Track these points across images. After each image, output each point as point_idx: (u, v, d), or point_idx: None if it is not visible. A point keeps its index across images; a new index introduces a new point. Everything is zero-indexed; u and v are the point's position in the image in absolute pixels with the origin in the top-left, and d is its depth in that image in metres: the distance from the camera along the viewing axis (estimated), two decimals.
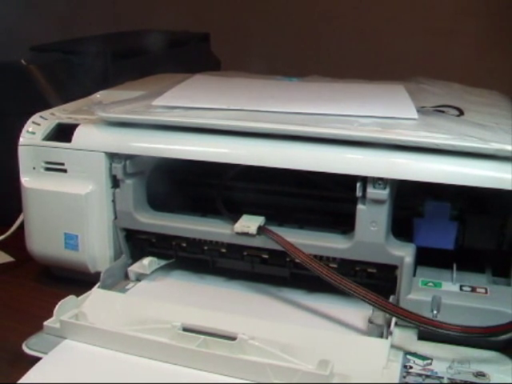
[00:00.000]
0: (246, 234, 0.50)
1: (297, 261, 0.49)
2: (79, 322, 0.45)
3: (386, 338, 0.44)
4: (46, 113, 0.57)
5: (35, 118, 0.56)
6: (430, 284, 0.47)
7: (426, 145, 0.44)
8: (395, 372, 0.41)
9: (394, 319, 0.45)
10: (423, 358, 0.43)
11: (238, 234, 0.50)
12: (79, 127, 0.54)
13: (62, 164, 0.53)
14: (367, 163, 0.45)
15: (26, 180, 0.55)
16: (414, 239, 0.48)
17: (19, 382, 0.40)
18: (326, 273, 0.46)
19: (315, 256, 0.50)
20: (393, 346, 0.43)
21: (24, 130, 0.55)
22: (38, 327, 0.46)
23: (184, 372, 0.41)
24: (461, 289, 0.46)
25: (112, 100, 0.59)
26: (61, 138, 0.54)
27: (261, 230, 0.50)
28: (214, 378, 0.41)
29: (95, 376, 0.41)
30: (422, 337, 0.45)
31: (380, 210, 0.46)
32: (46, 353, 0.43)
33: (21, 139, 0.55)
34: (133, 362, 0.43)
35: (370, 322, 0.46)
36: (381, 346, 0.43)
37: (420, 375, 0.41)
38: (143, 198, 0.55)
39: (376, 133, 0.45)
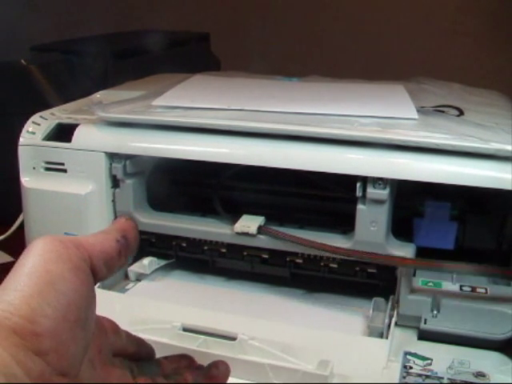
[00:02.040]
0: (246, 234, 0.50)
1: (302, 254, 0.49)
2: None
3: (386, 338, 0.44)
4: (45, 113, 0.57)
5: (35, 118, 0.56)
6: (430, 284, 0.47)
7: (426, 145, 0.44)
8: (395, 372, 0.41)
9: (393, 320, 0.45)
10: (423, 358, 0.43)
11: (237, 233, 0.50)
12: (79, 127, 0.54)
13: (62, 164, 0.53)
14: (367, 163, 0.45)
15: (25, 180, 0.55)
16: (414, 239, 0.48)
17: None
18: (337, 250, 0.47)
19: (315, 256, 0.50)
20: (393, 346, 0.44)
21: (24, 130, 0.55)
22: None
23: None
24: (461, 289, 0.46)
25: (112, 100, 0.59)
26: (61, 138, 0.54)
27: (261, 229, 0.50)
28: None
29: None
30: (422, 337, 0.46)
31: (380, 210, 0.46)
32: None
33: (21, 139, 0.55)
34: None
35: (370, 322, 0.46)
36: (381, 346, 0.43)
37: (420, 375, 0.41)
38: (143, 198, 0.55)
39: (376, 133, 0.45)
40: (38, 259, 0.28)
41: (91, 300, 0.30)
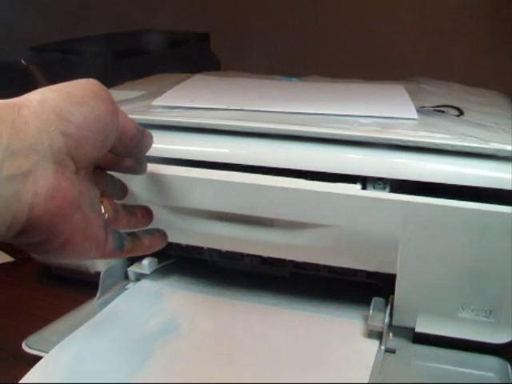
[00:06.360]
0: None
1: None
2: None
3: (386, 337, 0.44)
4: None
5: None
6: None
7: (426, 145, 0.44)
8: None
9: (393, 320, 0.45)
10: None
11: None
12: None
13: None
14: (367, 163, 0.45)
15: None
16: None
17: (21, 381, 0.40)
18: None
19: None
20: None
21: None
22: (38, 327, 0.46)
23: None
24: None
25: None
26: None
27: None
28: None
29: (98, 374, 0.41)
30: (418, 340, 0.46)
31: None
32: (46, 352, 0.43)
33: None
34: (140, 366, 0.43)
35: (370, 321, 0.46)
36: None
37: None
38: None
39: (376, 133, 0.45)
40: (84, 84, 0.35)
41: (115, 128, 0.36)
